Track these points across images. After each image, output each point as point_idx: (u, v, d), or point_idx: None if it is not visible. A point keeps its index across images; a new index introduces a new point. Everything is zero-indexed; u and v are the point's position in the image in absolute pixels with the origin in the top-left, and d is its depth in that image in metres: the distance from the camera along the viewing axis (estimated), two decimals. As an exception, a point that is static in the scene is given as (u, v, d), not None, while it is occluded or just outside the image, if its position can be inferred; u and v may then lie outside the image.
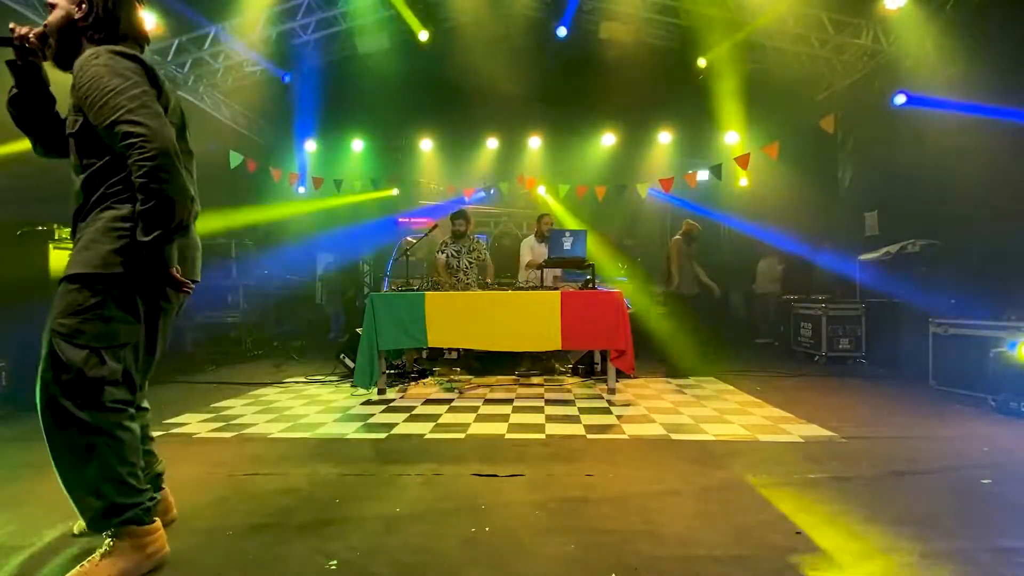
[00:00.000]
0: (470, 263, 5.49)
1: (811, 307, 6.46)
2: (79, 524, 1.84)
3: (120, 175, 1.63)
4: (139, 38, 1.77)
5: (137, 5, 1.78)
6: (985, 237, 5.13)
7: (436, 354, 5.90)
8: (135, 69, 1.60)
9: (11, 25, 1.69)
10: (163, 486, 1.99)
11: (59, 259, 4.33)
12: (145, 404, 1.95)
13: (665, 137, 9.44)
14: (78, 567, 1.58)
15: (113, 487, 1.58)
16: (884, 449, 2.88)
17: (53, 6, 1.72)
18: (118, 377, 1.63)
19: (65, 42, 1.70)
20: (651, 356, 5.86)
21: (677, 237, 6.28)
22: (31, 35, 1.69)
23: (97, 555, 1.59)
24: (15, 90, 1.75)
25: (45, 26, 1.71)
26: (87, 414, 1.55)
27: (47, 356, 1.58)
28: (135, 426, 1.66)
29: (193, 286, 1.70)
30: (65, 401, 1.54)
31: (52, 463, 1.57)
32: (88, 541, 1.86)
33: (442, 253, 5.56)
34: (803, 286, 7.62)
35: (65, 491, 1.58)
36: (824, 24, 6.95)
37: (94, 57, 1.58)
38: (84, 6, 1.69)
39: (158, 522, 1.68)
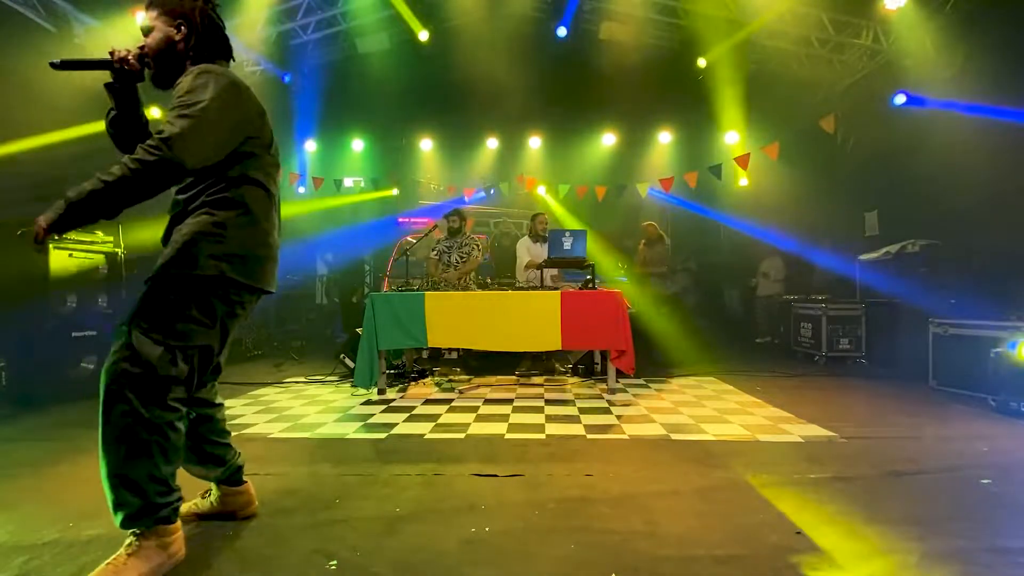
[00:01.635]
0: (460, 258, 5.47)
1: (811, 307, 6.46)
2: None
3: (219, 186, 1.72)
4: (227, 53, 1.88)
5: (222, 24, 1.88)
6: (985, 237, 5.12)
7: (436, 354, 5.90)
8: (225, 87, 1.66)
9: (111, 48, 1.74)
10: (244, 479, 2.06)
11: (59, 259, 4.33)
12: (219, 400, 2.03)
13: (665, 137, 9.43)
14: (104, 565, 1.57)
15: (156, 486, 1.59)
16: (884, 449, 2.88)
17: (151, 29, 1.78)
18: (183, 378, 1.66)
19: (164, 63, 1.78)
20: (650, 356, 5.85)
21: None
22: (130, 57, 1.74)
23: (123, 553, 1.59)
24: (114, 112, 1.82)
25: (142, 48, 1.76)
26: (148, 411, 1.57)
27: (123, 347, 1.59)
28: (183, 428, 1.69)
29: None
30: (131, 394, 1.56)
31: (100, 452, 1.56)
32: (87, 541, 1.86)
33: (434, 251, 5.58)
34: (803, 286, 7.62)
35: (105, 482, 1.57)
36: (824, 24, 6.95)
37: (194, 74, 1.67)
38: (183, 29, 1.77)
39: (179, 523, 1.70)
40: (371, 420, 3.60)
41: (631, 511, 2.10)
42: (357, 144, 9.60)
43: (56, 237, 1.62)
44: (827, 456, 2.77)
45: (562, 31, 7.93)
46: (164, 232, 1.78)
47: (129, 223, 4.99)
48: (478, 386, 4.80)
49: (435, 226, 5.98)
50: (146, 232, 5.66)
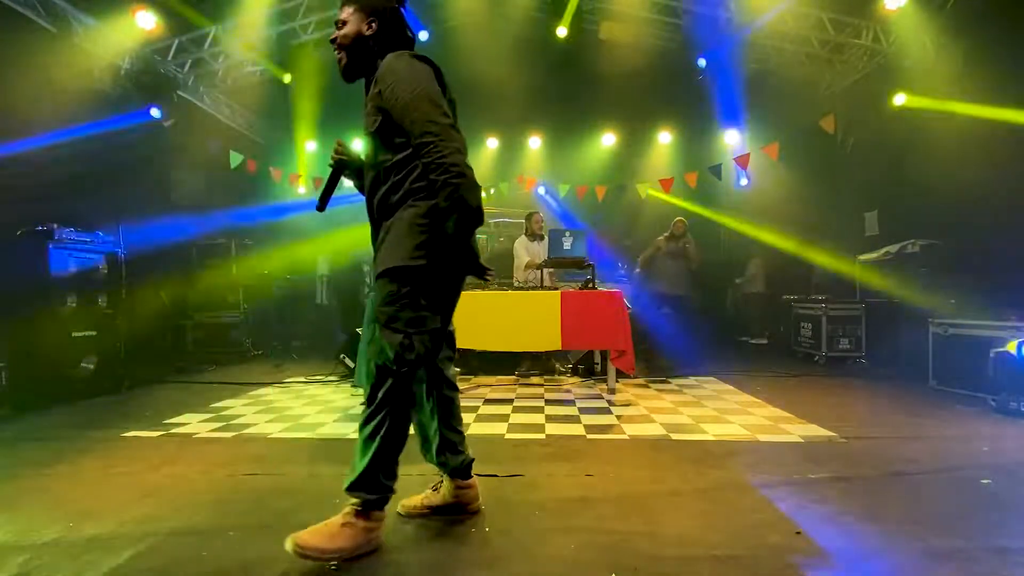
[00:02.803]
0: None
1: (811, 307, 6.46)
2: (403, 504, 2.09)
3: (418, 172, 1.78)
4: (410, 42, 1.95)
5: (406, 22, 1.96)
6: (985, 237, 5.12)
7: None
8: (429, 72, 1.77)
9: (332, 159, 2.00)
10: (472, 475, 2.10)
11: (59, 259, 4.34)
12: (457, 384, 2.14)
13: (665, 137, 9.42)
14: (321, 524, 1.74)
15: (383, 468, 1.76)
16: (884, 449, 2.88)
17: (344, 23, 1.90)
18: (421, 363, 1.80)
19: (356, 56, 1.89)
20: (649, 355, 5.85)
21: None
22: (338, 149, 2.00)
23: (339, 520, 1.75)
24: (356, 180, 2.07)
25: (334, 40, 1.91)
26: (393, 395, 1.76)
27: (372, 341, 1.80)
28: (414, 416, 1.86)
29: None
30: (381, 381, 1.77)
31: (360, 426, 1.79)
32: (87, 541, 1.86)
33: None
34: (803, 286, 7.62)
35: (356, 456, 1.78)
36: (824, 24, 6.94)
37: (397, 60, 1.76)
38: (374, 24, 1.87)
39: (383, 514, 1.81)
40: (371, 420, 3.60)
41: (631, 511, 2.10)
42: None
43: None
44: (827, 456, 2.77)
45: (562, 31, 7.92)
46: (372, 229, 1.94)
47: (129, 223, 4.99)
48: (478, 386, 4.80)
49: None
50: (145, 232, 5.67)
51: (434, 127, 1.69)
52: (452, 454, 2.05)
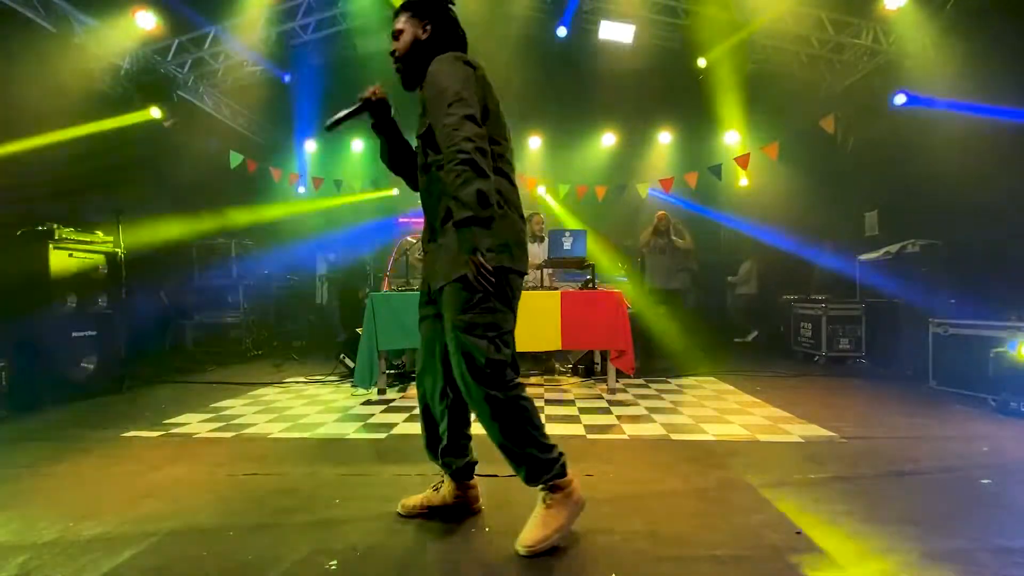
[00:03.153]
0: None
1: (811, 307, 6.46)
2: (403, 503, 2.10)
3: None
4: (463, 40, 2.01)
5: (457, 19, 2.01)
6: (985, 237, 5.12)
7: None
8: (467, 74, 1.79)
9: (361, 93, 1.98)
10: (474, 476, 2.11)
11: (59, 259, 4.34)
12: None
13: (665, 137, 9.42)
14: (532, 519, 1.81)
15: (535, 448, 1.81)
16: (884, 449, 2.88)
17: (400, 32, 1.94)
18: (510, 359, 1.85)
19: (413, 63, 1.92)
20: (650, 356, 5.85)
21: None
22: (377, 90, 1.98)
23: (542, 507, 1.83)
24: (386, 146, 2.08)
25: (393, 52, 1.96)
26: (499, 393, 1.79)
27: (456, 350, 1.81)
28: (528, 396, 1.87)
29: (492, 274, 1.76)
30: (480, 385, 1.78)
31: (486, 431, 1.85)
32: (87, 541, 1.86)
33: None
34: (803, 286, 7.62)
35: (507, 460, 1.86)
36: (824, 24, 6.94)
37: (439, 63, 1.82)
38: (428, 27, 1.92)
39: (571, 473, 1.87)
40: (371, 420, 3.61)
41: (631, 511, 2.10)
42: (357, 144, 9.59)
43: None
44: (827, 456, 2.77)
45: (562, 31, 7.92)
46: (427, 233, 1.96)
47: (129, 223, 4.99)
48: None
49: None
50: (145, 232, 5.68)
51: (451, 120, 1.70)
52: (457, 457, 2.06)
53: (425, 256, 2.02)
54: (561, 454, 1.87)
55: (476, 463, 2.11)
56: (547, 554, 1.75)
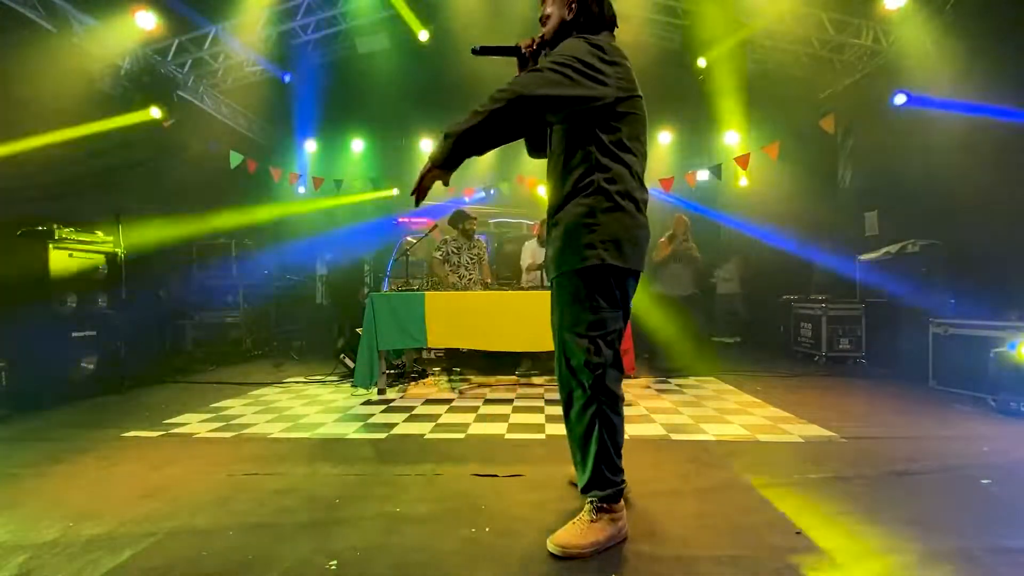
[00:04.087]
0: (471, 259, 5.48)
1: (811, 307, 6.46)
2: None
3: (585, 168, 1.77)
4: (612, 22, 1.94)
5: None
6: (985, 237, 5.12)
7: (453, 353, 5.76)
8: (586, 50, 1.70)
9: (519, 42, 1.99)
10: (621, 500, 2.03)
11: (59, 259, 4.33)
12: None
13: (665, 137, 9.42)
14: (571, 524, 1.82)
15: (605, 465, 1.82)
16: (884, 449, 2.88)
17: (547, 16, 1.96)
18: (611, 362, 1.81)
19: (560, 43, 1.83)
20: (648, 355, 5.85)
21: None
22: (533, 45, 2.00)
23: (586, 517, 1.82)
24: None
25: (543, 36, 1.97)
26: (592, 397, 1.80)
27: (557, 347, 1.84)
28: (622, 412, 1.87)
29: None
30: (576, 386, 1.81)
31: (568, 431, 1.92)
32: (87, 541, 1.86)
33: (439, 251, 5.51)
34: (803, 286, 7.62)
35: (576, 456, 1.89)
36: (824, 24, 6.94)
37: (568, 42, 1.78)
38: (574, 6, 1.89)
39: (623, 504, 1.88)
40: (371, 420, 3.60)
41: (631, 511, 2.10)
42: (357, 144, 9.59)
43: (445, 180, 1.78)
44: (827, 456, 2.77)
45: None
46: (548, 215, 1.92)
47: (129, 223, 4.99)
48: (478, 386, 4.80)
49: (435, 226, 5.96)
50: (145, 232, 5.67)
51: (535, 69, 1.68)
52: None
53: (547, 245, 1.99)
54: (623, 482, 1.87)
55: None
56: (570, 560, 1.73)
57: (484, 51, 2.02)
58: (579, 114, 1.73)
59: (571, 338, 1.79)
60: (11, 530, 1.96)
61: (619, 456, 1.84)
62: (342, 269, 8.94)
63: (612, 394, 1.81)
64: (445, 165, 1.71)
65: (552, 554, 1.74)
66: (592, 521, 1.81)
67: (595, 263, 1.74)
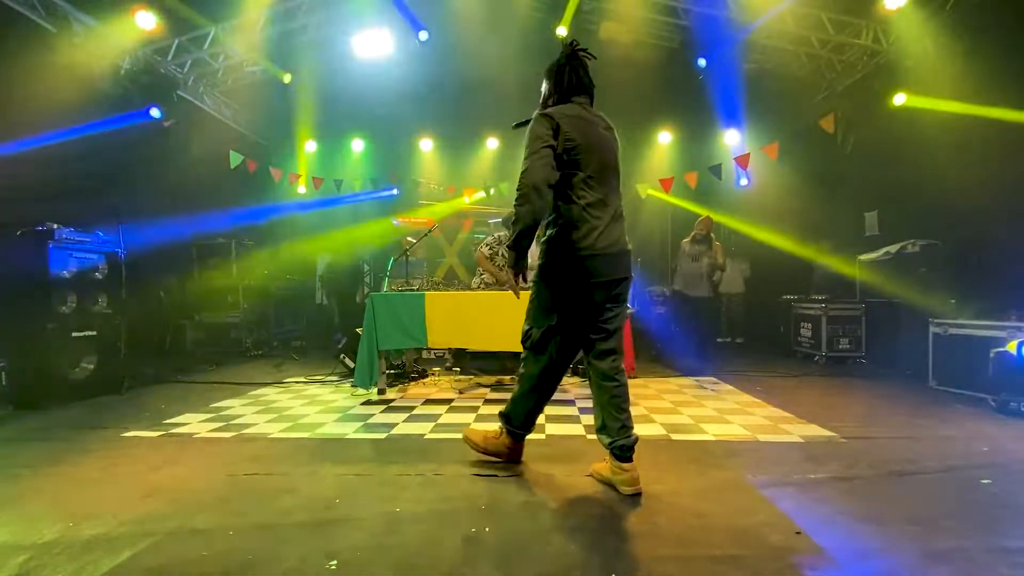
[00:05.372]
0: (504, 256, 5.54)
1: (811, 307, 6.46)
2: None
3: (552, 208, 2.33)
4: (580, 89, 2.42)
5: (578, 68, 2.42)
6: (985, 237, 5.12)
7: (461, 353, 5.75)
8: (541, 130, 2.23)
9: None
10: (631, 459, 2.32)
11: (59, 259, 4.33)
12: (618, 377, 2.41)
13: (665, 137, 9.42)
14: (486, 431, 2.71)
15: (519, 412, 2.54)
16: (884, 449, 2.88)
17: (541, 93, 2.51)
18: (538, 349, 2.47)
19: None
20: (650, 355, 5.86)
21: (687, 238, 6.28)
22: None
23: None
24: None
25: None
26: (524, 365, 2.52)
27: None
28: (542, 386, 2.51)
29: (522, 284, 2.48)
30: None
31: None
32: (87, 541, 1.86)
33: (488, 247, 5.51)
34: (803, 286, 7.62)
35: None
36: (824, 24, 6.94)
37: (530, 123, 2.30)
38: (547, 86, 2.46)
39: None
40: (371, 420, 3.60)
41: (631, 511, 2.10)
42: (357, 144, 9.59)
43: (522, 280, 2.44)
44: (827, 456, 2.77)
45: (562, 31, 7.91)
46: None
47: (129, 223, 4.99)
48: (478, 386, 4.80)
49: (435, 226, 5.96)
50: (145, 232, 5.67)
51: (523, 167, 2.22)
52: (605, 435, 2.34)
53: None
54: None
55: (630, 446, 2.32)
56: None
57: (519, 126, 2.48)
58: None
59: (524, 323, 2.53)
60: (11, 530, 1.96)
61: (527, 414, 2.54)
62: (340, 270, 8.94)
63: (534, 371, 2.50)
64: (518, 267, 2.39)
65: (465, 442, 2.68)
66: (496, 437, 2.64)
67: (546, 272, 2.40)
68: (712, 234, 6.19)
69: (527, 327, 2.47)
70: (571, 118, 2.27)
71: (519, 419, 2.55)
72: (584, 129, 2.29)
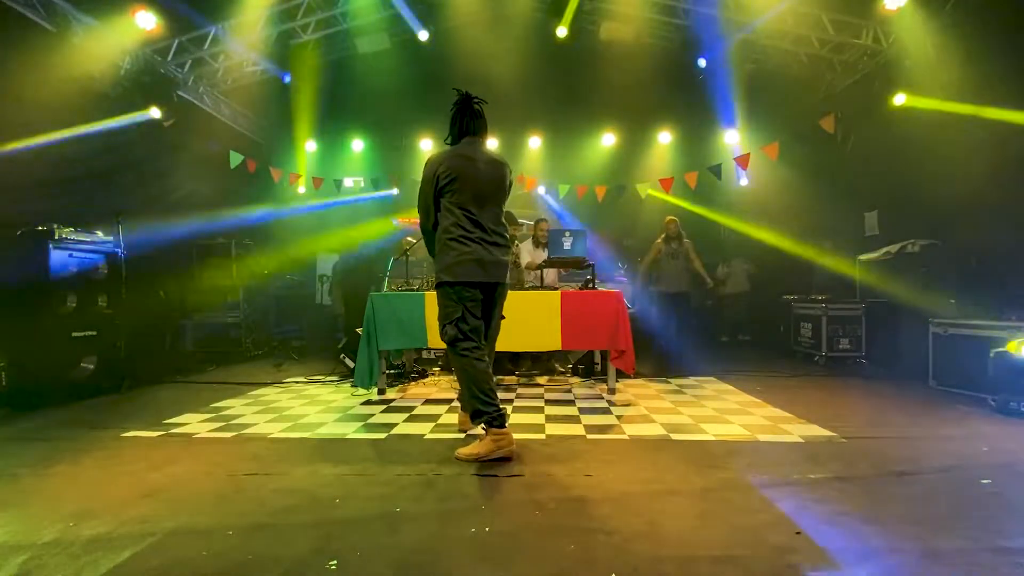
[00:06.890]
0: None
1: (811, 307, 6.46)
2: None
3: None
4: (469, 131, 2.92)
5: (467, 114, 2.91)
6: (985, 237, 5.12)
7: None
8: (429, 172, 2.84)
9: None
10: (505, 424, 2.77)
11: (59, 259, 4.33)
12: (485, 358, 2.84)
13: (665, 137, 9.42)
14: (471, 445, 2.80)
15: (478, 401, 2.73)
16: (884, 449, 2.88)
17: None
18: (457, 340, 2.80)
19: None
20: (650, 355, 5.85)
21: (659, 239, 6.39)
22: None
23: (479, 440, 2.79)
24: None
25: None
26: (454, 356, 2.82)
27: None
28: (478, 364, 2.78)
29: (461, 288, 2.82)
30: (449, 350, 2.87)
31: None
32: (87, 541, 1.86)
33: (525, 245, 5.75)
34: (803, 286, 7.62)
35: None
36: (824, 24, 6.94)
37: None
38: (450, 131, 2.97)
39: (507, 428, 2.76)
40: (371, 420, 3.60)
41: (631, 511, 2.10)
42: (357, 144, 9.59)
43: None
44: (827, 456, 2.77)
45: (562, 31, 7.92)
46: None
47: (129, 223, 4.99)
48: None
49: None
50: (145, 232, 5.67)
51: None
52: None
53: None
54: (500, 411, 2.76)
55: (504, 415, 2.80)
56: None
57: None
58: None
59: (440, 322, 2.87)
60: (11, 530, 1.96)
61: (486, 394, 2.73)
62: (341, 269, 8.92)
63: (460, 354, 2.77)
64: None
65: (457, 458, 2.72)
66: (480, 440, 2.77)
67: (441, 279, 2.81)
68: (682, 231, 6.41)
69: (440, 325, 2.90)
70: (452, 157, 2.82)
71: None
72: (462, 165, 2.80)
